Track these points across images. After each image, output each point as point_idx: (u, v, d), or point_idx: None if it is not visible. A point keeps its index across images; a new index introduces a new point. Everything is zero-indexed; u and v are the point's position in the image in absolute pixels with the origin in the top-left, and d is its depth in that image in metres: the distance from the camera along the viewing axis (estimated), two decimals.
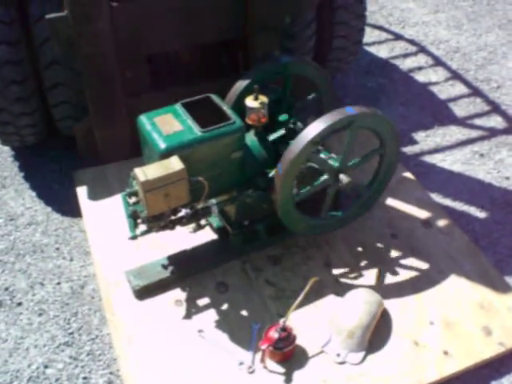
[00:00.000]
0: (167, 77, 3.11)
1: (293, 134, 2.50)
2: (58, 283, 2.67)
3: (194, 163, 2.16)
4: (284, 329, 2.15)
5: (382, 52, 4.11)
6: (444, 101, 3.68)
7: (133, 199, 2.25)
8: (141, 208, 2.18)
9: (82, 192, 2.90)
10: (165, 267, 2.46)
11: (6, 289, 2.65)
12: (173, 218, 2.23)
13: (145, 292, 2.41)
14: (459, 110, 3.61)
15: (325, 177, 2.33)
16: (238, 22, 2.91)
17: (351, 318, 2.24)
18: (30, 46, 2.86)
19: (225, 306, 2.37)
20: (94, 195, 2.88)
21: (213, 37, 2.95)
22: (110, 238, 2.64)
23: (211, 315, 2.34)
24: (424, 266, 2.54)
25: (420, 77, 3.88)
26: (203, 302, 2.39)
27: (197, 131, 2.16)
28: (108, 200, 2.85)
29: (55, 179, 3.20)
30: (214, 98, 2.33)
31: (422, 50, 4.13)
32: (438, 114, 3.57)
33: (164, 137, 2.14)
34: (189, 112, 2.26)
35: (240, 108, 2.43)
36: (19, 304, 2.59)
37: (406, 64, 4.00)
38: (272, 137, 2.44)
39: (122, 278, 2.46)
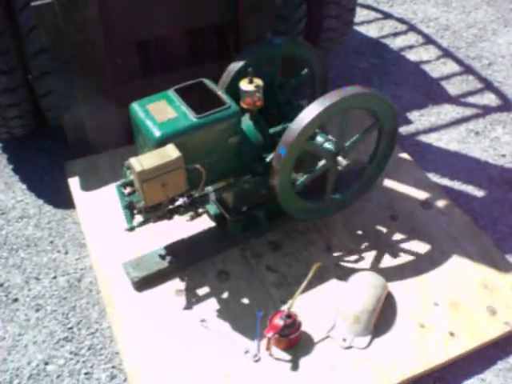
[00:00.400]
0: (157, 63, 3.04)
1: (289, 114, 2.47)
2: (54, 277, 2.61)
3: (190, 150, 2.11)
4: (289, 315, 2.13)
5: (371, 32, 4.06)
6: (437, 79, 3.65)
7: (128, 189, 2.19)
8: (137, 198, 2.13)
9: (74, 183, 2.83)
10: (163, 257, 2.41)
11: (1, 285, 2.59)
12: (170, 207, 2.18)
13: (144, 283, 2.36)
14: (452, 88, 3.58)
15: (323, 162, 2.30)
16: (229, 5, 2.84)
17: (356, 302, 2.21)
18: (16, 35, 2.77)
19: (226, 295, 2.34)
20: (86, 186, 2.82)
21: (204, 21, 2.89)
22: (106, 228, 2.58)
23: (213, 304, 2.30)
24: (425, 247, 2.52)
25: (411, 56, 3.84)
26: (204, 291, 2.35)
27: (192, 117, 2.11)
28: (101, 190, 2.79)
29: (46, 170, 3.13)
30: (208, 82, 2.28)
31: (412, 28, 4.09)
32: (432, 92, 3.53)
33: (158, 124, 2.08)
34: (182, 98, 2.20)
35: (234, 91, 2.37)
36: (15, 300, 2.53)
37: (396, 43, 3.96)
38: (272, 130, 2.39)
39: (119, 270, 2.41)
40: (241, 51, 2.96)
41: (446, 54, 3.85)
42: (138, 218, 2.20)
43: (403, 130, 3.26)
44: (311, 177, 2.32)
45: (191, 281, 2.38)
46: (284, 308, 2.20)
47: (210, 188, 2.29)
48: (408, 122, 3.31)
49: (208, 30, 3.04)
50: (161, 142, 2.04)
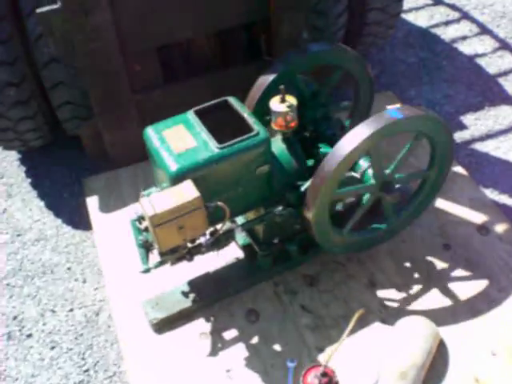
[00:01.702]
0: (181, 68, 2.76)
1: (326, 132, 2.18)
2: (71, 310, 2.41)
3: (212, 184, 1.85)
4: (325, 373, 1.86)
5: (420, 20, 3.67)
6: (493, 76, 3.26)
7: (144, 224, 1.94)
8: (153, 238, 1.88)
9: (92, 203, 2.61)
10: (185, 295, 2.17)
11: (15, 317, 2.41)
12: (190, 245, 1.93)
13: (164, 325, 2.12)
14: (511, 86, 3.18)
15: (367, 197, 2.00)
16: (260, 2, 2.53)
17: (403, 355, 1.92)
18: (24, 44, 2.54)
19: (256, 339, 2.08)
20: (105, 206, 2.59)
21: (231, 21, 2.58)
22: (124, 257, 2.34)
23: (241, 350, 2.05)
24: (482, 283, 2.20)
25: (465, 48, 3.45)
26: (231, 334, 2.10)
27: (213, 148, 1.83)
28: (121, 212, 2.55)
29: (65, 185, 2.93)
30: (233, 101, 1.99)
31: (465, 15, 3.68)
32: (488, 91, 3.16)
33: (175, 156, 1.81)
34: (203, 121, 1.92)
35: (264, 109, 2.09)
36: (29, 336, 2.35)
37: (448, 33, 3.56)
38: (310, 162, 2.10)
39: (137, 307, 2.18)
40: (273, 53, 2.69)
41: (504, 45, 3.44)
42: (155, 257, 1.96)
43: (456, 136, 2.91)
44: (356, 218, 2.02)
45: (217, 322, 2.13)
46: (319, 359, 1.95)
47: (235, 222, 2.03)
48: (462, 127, 2.95)
49: (237, 31, 2.74)
50: (177, 178, 1.78)
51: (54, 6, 2.22)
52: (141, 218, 1.96)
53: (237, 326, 2.12)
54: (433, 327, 2.00)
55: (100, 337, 2.31)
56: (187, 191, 1.73)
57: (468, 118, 3.00)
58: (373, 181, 1.98)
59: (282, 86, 1.97)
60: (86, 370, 2.21)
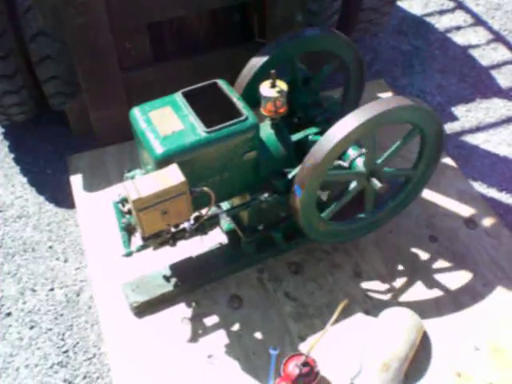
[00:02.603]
0: (172, 47, 2.70)
1: (316, 117, 2.14)
2: (51, 289, 2.37)
3: (197, 168, 1.81)
4: (306, 363, 1.85)
5: (415, 8, 3.63)
6: (486, 68, 3.23)
7: (127, 206, 1.90)
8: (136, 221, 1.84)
9: (76, 181, 2.56)
10: (167, 279, 2.13)
11: None
12: (173, 230, 1.89)
13: (145, 309, 2.09)
14: (503, 79, 3.17)
15: (354, 185, 1.98)
16: None
17: (386, 347, 1.91)
18: (12, 17, 2.46)
19: (238, 326, 2.06)
20: (89, 185, 2.54)
21: (224, 1, 2.52)
22: (107, 238, 2.30)
23: (223, 337, 2.03)
24: (467, 276, 2.20)
25: (458, 38, 3.42)
26: (213, 320, 2.07)
27: (200, 131, 1.79)
28: (106, 191, 2.51)
29: (49, 162, 2.87)
30: (222, 84, 1.94)
31: (460, 5, 3.65)
32: (480, 83, 3.13)
33: (161, 139, 1.77)
34: (191, 104, 1.87)
35: (253, 92, 2.05)
36: (8, 314, 2.31)
37: (442, 23, 3.53)
38: (296, 137, 2.05)
39: (120, 289, 2.15)
40: (266, 35, 2.64)
41: (497, 37, 3.42)
42: (138, 240, 1.92)
43: (447, 127, 2.89)
44: (340, 204, 2.00)
45: (199, 307, 2.10)
46: (301, 348, 1.94)
47: (220, 208, 1.99)
48: (453, 118, 2.93)
49: (229, 11, 2.68)
50: (163, 161, 1.73)
51: None
52: (124, 201, 1.91)
53: (219, 311, 2.10)
54: (417, 319, 1.99)
55: (80, 318, 2.28)
56: (172, 175, 1.69)
57: (459, 110, 2.98)
58: (363, 168, 1.95)
59: (272, 71, 1.92)
60: (66, 351, 2.18)
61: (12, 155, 2.91)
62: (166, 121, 1.82)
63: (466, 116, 2.94)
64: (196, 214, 1.90)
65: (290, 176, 1.99)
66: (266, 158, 1.99)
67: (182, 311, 2.10)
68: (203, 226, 1.92)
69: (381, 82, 2.92)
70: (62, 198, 2.69)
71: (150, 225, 1.73)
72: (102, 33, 2.37)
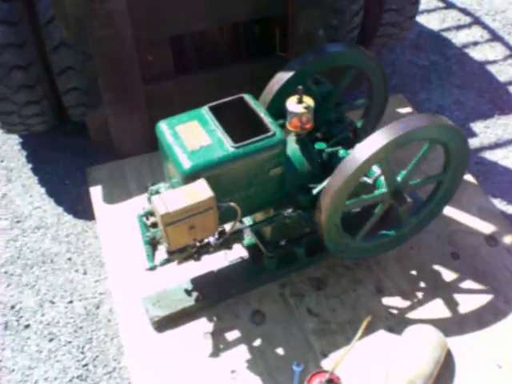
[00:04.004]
0: (193, 59, 2.71)
1: (339, 134, 2.14)
2: (71, 301, 2.37)
3: (223, 184, 1.80)
4: (330, 380, 1.84)
5: (432, 23, 3.63)
6: (504, 84, 3.23)
7: (151, 220, 1.90)
8: (161, 234, 1.84)
9: (96, 193, 2.55)
10: (188, 293, 2.12)
11: (13, 307, 2.35)
12: (198, 244, 1.88)
13: (166, 323, 2.08)
14: None
15: (380, 206, 1.97)
16: None
17: (411, 364, 1.90)
18: (34, 26, 2.47)
19: (261, 341, 2.05)
20: (109, 197, 2.54)
21: (248, 14, 2.53)
22: (127, 249, 2.29)
23: (245, 352, 2.02)
24: (489, 294, 2.19)
25: (476, 53, 3.42)
26: (235, 335, 2.06)
27: (228, 146, 1.78)
28: (126, 203, 2.50)
29: (67, 172, 2.87)
30: (249, 99, 1.94)
31: (477, 21, 3.65)
32: (498, 99, 3.13)
33: (188, 153, 1.77)
34: (218, 118, 1.87)
35: (278, 107, 2.05)
36: (27, 326, 2.30)
37: (459, 38, 3.53)
38: (318, 146, 2.05)
39: (140, 302, 2.14)
40: (288, 49, 2.65)
41: None
42: (161, 254, 1.91)
43: None
44: (369, 225, 2.00)
45: (221, 322, 2.09)
46: (324, 364, 1.92)
47: (244, 223, 1.98)
48: (472, 134, 2.93)
49: (251, 24, 2.69)
50: (190, 176, 1.73)
51: None
52: (148, 214, 1.91)
53: (241, 326, 2.09)
54: (441, 337, 1.98)
55: (100, 331, 2.27)
56: (201, 190, 1.69)
57: (478, 126, 2.97)
58: (384, 189, 1.94)
59: (300, 87, 1.92)
60: (85, 365, 2.17)
61: (30, 165, 2.91)
62: (193, 135, 1.83)
63: (484, 132, 2.94)
64: (220, 228, 1.90)
65: (314, 192, 1.98)
66: (291, 174, 1.99)
67: (203, 326, 2.08)
68: (227, 241, 1.91)
69: (400, 97, 2.92)
70: (80, 209, 2.69)
71: (176, 239, 1.72)
72: (125, 45, 2.38)
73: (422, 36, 3.53)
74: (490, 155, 2.83)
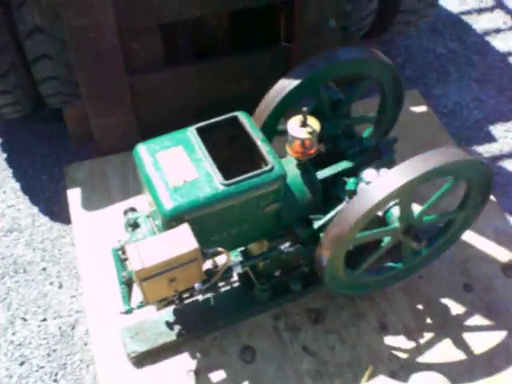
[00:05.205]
0: (186, 50, 2.42)
1: (347, 151, 1.88)
2: (44, 319, 2.16)
3: (211, 224, 1.57)
4: None
5: (451, 4, 3.30)
6: None
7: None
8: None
9: (73, 196, 2.31)
10: (170, 326, 1.90)
11: None
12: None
13: (145, 358, 1.88)
14: None
15: (388, 240, 1.74)
16: None
17: None
18: (6, 9, 2.16)
19: (250, 383, 1.85)
20: (88, 201, 2.30)
21: (249, 2, 2.22)
22: (105, 261, 1.98)
23: None
24: (503, 333, 1.98)
25: (497, 42, 3.11)
26: (222, 374, 1.86)
27: (217, 183, 1.52)
28: (106, 210, 2.27)
29: (45, 165, 2.61)
30: (243, 119, 1.66)
31: (500, 4, 3.31)
32: None
33: (171, 191, 1.51)
34: (206, 142, 1.60)
35: (279, 117, 1.80)
36: None
37: (480, 23, 3.21)
38: (323, 174, 1.80)
39: (118, 326, 1.92)
40: (293, 39, 2.36)
41: None
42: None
43: (483, 149, 2.63)
44: (373, 259, 1.77)
45: (207, 358, 1.89)
46: None
47: (234, 260, 1.75)
48: (490, 138, 2.66)
49: (252, 11, 2.38)
50: (172, 219, 1.49)
51: None
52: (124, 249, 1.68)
53: (229, 364, 1.89)
54: None
55: (75, 355, 2.08)
56: (184, 240, 1.44)
57: (497, 129, 2.70)
58: (397, 224, 1.71)
59: (304, 109, 1.65)
60: None
61: (5, 155, 2.65)
62: (176, 166, 1.56)
63: (504, 137, 2.67)
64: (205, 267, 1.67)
65: (316, 226, 1.74)
66: (289, 205, 1.73)
67: (186, 362, 1.88)
68: (215, 285, 1.69)
69: (415, 93, 2.64)
70: (57, 209, 2.45)
71: (154, 293, 1.50)
72: (106, 35, 2.09)
73: (440, 19, 3.21)
74: (508, 164, 2.58)
